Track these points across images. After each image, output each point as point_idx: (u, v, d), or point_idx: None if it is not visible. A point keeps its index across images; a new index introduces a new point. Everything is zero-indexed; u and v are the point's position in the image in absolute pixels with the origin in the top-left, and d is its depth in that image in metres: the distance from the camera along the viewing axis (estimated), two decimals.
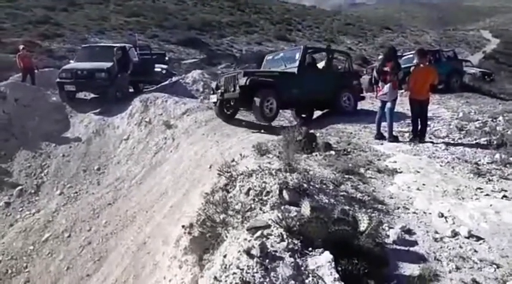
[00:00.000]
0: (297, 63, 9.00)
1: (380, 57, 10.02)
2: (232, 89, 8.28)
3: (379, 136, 7.20)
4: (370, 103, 11.12)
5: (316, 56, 11.10)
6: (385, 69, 7.05)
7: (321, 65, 10.23)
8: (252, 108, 8.26)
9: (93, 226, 7.98)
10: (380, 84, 7.13)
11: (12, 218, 8.58)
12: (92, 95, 13.08)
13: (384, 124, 7.26)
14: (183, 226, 4.39)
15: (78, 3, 35.57)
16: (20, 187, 9.15)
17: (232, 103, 8.78)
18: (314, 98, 9.39)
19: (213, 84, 9.59)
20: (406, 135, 7.39)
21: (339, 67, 10.49)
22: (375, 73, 7.37)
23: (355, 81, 10.46)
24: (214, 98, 8.90)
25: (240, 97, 8.15)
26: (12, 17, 26.63)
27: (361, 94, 10.65)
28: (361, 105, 11.26)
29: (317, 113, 10.74)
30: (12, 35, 22.74)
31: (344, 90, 9.83)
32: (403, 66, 13.60)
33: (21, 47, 13.77)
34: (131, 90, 13.39)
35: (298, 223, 3.04)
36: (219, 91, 8.62)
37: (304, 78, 8.85)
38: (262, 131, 8.17)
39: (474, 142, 6.74)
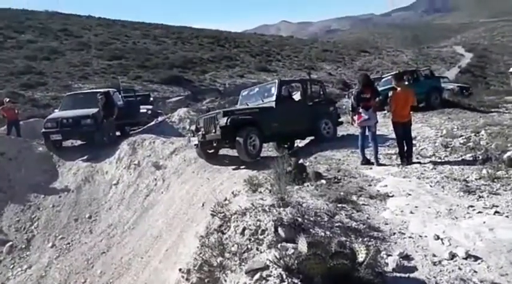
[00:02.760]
0: (274, 97, 9.10)
1: None
2: (213, 130, 8.28)
3: (365, 162, 7.29)
4: (356, 127, 11.31)
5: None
6: (365, 96, 7.20)
7: (296, 96, 10.38)
8: (235, 147, 8.23)
9: (88, 277, 7.76)
10: (361, 110, 7.21)
11: (3, 277, 8.30)
12: (79, 142, 13.02)
13: (369, 149, 7.38)
14: (180, 270, 4.33)
15: (59, 50, 35.96)
16: (10, 243, 8.91)
17: (214, 144, 8.72)
18: (294, 129, 9.50)
19: (192, 126, 9.56)
20: (394, 157, 7.49)
21: (314, 95, 10.58)
22: (352, 100, 7.53)
23: (331, 108, 10.65)
24: (195, 140, 8.82)
25: (222, 138, 8.13)
26: None
27: (339, 120, 10.84)
28: (347, 130, 11.44)
29: (304, 141, 10.84)
30: None
31: (322, 117, 9.99)
32: (382, 88, 14.12)
33: (6, 99, 13.77)
34: (118, 133, 13.38)
35: (296, 261, 3.02)
36: (200, 133, 8.58)
37: (282, 111, 8.95)
38: (242, 167, 8.19)
39: (460, 159, 6.87)
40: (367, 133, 7.38)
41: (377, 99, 7.19)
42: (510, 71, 10.75)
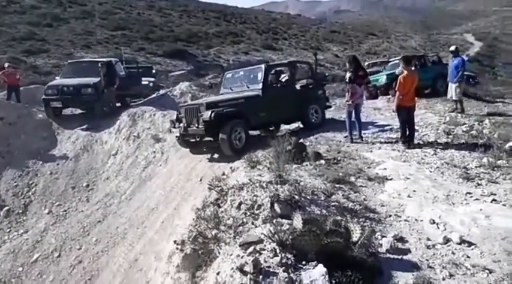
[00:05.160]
0: (261, 85, 8.51)
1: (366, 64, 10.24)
2: (196, 124, 7.73)
3: (351, 140, 7.71)
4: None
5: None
6: (361, 73, 7.76)
7: (283, 78, 9.75)
8: (218, 141, 7.60)
9: (84, 245, 7.82)
10: (357, 88, 7.68)
11: None
12: (79, 111, 12.96)
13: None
14: (175, 242, 4.34)
15: (63, 18, 35.44)
16: (7, 208, 8.95)
17: (197, 139, 8.37)
18: (282, 117, 9.04)
19: (173, 116, 8.99)
20: (395, 141, 7.44)
21: (303, 77, 10.13)
22: (349, 76, 7.72)
23: (320, 91, 10.11)
24: (177, 132, 8.36)
25: (205, 133, 7.68)
26: None
27: (327, 104, 10.42)
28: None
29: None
30: None
31: (310, 103, 9.47)
32: (390, 71, 13.88)
33: (6, 64, 13.61)
34: (118, 104, 13.29)
35: (290, 236, 3.03)
36: (182, 125, 8.08)
37: (269, 98, 8.43)
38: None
39: (462, 146, 6.80)
40: (352, 116, 7.80)
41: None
42: (450, 49, 10.53)
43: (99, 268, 7.17)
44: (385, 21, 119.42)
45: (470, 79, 19.07)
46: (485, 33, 75.43)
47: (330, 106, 10.80)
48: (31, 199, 9.28)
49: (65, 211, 8.94)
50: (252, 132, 8.72)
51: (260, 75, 8.73)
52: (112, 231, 7.86)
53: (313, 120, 9.50)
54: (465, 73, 11.13)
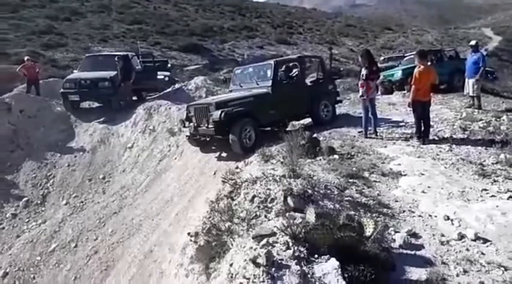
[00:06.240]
0: (270, 82, 8.45)
1: (381, 58, 10.10)
2: (206, 124, 7.74)
3: (366, 135, 7.68)
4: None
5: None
6: (374, 68, 7.74)
7: (293, 73, 9.54)
8: (229, 140, 7.55)
9: (100, 236, 8.00)
10: (371, 83, 7.65)
11: (19, 230, 8.63)
12: (97, 104, 13.17)
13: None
14: (189, 234, 4.40)
15: (80, 12, 35.85)
16: (26, 198, 9.21)
17: (207, 139, 8.36)
18: (292, 113, 8.89)
19: (183, 115, 9.03)
20: (409, 136, 7.37)
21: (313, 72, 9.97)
22: (364, 74, 7.67)
23: (330, 86, 9.98)
24: (187, 132, 8.38)
25: (215, 133, 7.65)
26: (16, 27, 26.85)
27: (338, 98, 10.29)
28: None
29: None
30: (16, 45, 22.93)
31: (321, 98, 9.38)
32: (406, 66, 13.70)
33: (26, 58, 13.89)
34: (134, 98, 13.47)
35: (303, 230, 3.04)
36: (192, 124, 8.06)
37: (279, 96, 8.36)
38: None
39: (478, 142, 6.70)
40: (369, 111, 7.77)
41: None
42: (471, 43, 9.97)
43: (115, 259, 7.33)
44: (401, 15, 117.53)
45: (489, 75, 18.65)
46: (504, 27, 73.40)
47: (341, 101, 10.70)
48: (49, 190, 9.51)
49: (82, 202, 9.14)
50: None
51: (270, 72, 8.66)
52: (127, 223, 8.01)
53: (323, 116, 9.43)
54: None
